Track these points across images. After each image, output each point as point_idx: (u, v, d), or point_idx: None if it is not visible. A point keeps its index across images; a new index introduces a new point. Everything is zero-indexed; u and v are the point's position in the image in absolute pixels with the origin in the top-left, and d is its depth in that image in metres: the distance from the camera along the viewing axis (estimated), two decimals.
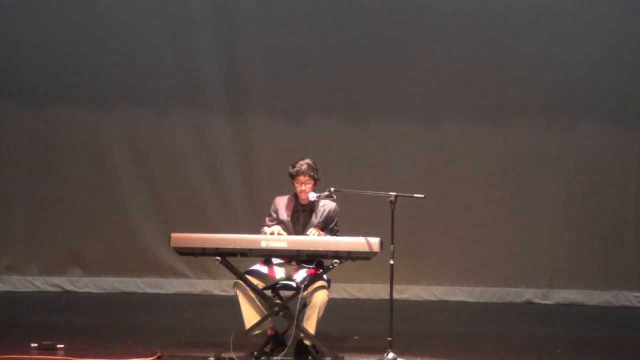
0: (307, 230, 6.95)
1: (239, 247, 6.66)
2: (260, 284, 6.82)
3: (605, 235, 9.83)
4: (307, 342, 6.81)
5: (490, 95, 9.90)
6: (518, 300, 9.90)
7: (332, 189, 6.89)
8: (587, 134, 9.88)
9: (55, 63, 10.08)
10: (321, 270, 6.86)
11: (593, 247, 9.83)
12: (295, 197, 7.08)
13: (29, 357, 6.88)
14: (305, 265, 6.95)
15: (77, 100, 10.09)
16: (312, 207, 7.03)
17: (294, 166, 6.99)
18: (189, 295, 10.03)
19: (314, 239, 6.74)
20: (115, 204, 10.09)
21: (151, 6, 10.06)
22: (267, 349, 6.91)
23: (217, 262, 6.69)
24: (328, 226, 7.02)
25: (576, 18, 9.79)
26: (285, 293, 6.95)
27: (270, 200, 7.17)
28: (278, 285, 6.97)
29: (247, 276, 6.78)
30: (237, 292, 6.80)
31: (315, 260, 6.82)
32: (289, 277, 6.96)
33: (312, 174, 6.95)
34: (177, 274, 10.11)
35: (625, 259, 9.82)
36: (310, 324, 6.72)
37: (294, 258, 6.92)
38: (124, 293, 10.07)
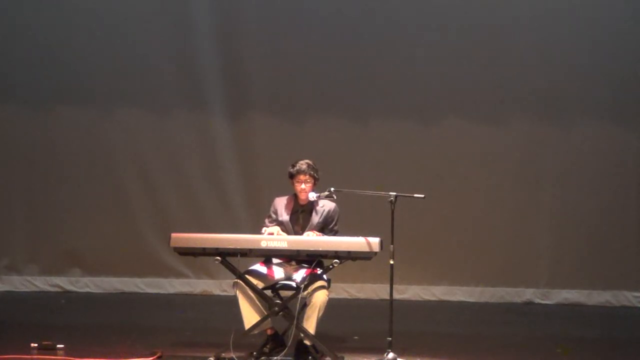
0: (305, 232, 6.94)
1: (239, 247, 6.66)
2: (260, 284, 6.82)
3: (605, 235, 9.83)
4: (307, 342, 6.80)
5: (490, 95, 9.89)
6: (518, 300, 9.90)
7: (332, 189, 6.89)
8: (587, 134, 9.88)
9: (54, 63, 10.08)
10: (321, 270, 6.86)
11: (593, 247, 9.83)
12: (295, 197, 7.08)
13: (29, 357, 6.88)
14: (305, 265, 6.95)
15: (77, 100, 10.10)
16: (311, 207, 7.03)
17: (293, 166, 7.00)
18: (189, 295, 10.03)
19: (314, 239, 6.74)
20: (116, 204, 10.10)
21: (151, 6, 10.05)
22: (266, 349, 6.91)
23: (217, 262, 6.70)
24: (328, 226, 7.02)
25: (576, 17, 9.79)
26: (285, 293, 6.94)
27: (270, 201, 7.17)
28: (278, 285, 6.97)
29: (247, 276, 6.78)
30: (237, 292, 6.80)
31: (315, 260, 6.81)
32: (288, 277, 6.97)
33: (312, 173, 6.96)
34: (177, 274, 10.11)
35: (625, 259, 9.82)
36: (310, 324, 6.71)
37: (294, 258, 6.92)
38: (124, 293, 10.07)
